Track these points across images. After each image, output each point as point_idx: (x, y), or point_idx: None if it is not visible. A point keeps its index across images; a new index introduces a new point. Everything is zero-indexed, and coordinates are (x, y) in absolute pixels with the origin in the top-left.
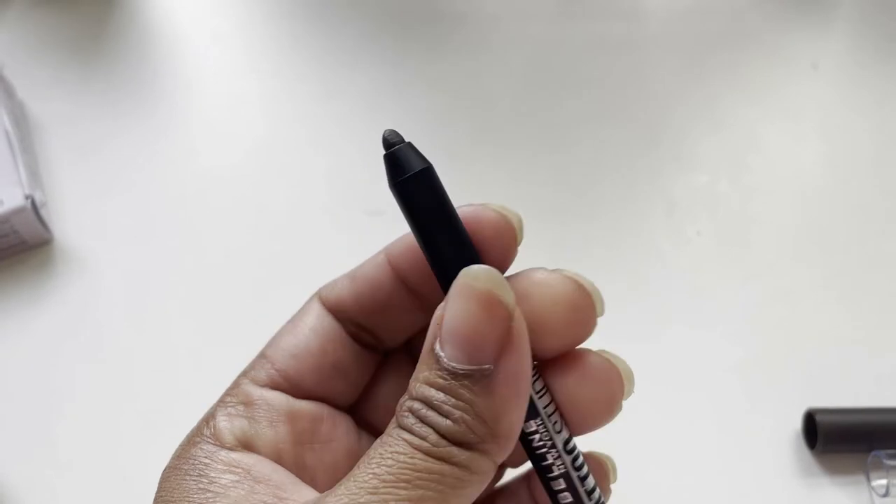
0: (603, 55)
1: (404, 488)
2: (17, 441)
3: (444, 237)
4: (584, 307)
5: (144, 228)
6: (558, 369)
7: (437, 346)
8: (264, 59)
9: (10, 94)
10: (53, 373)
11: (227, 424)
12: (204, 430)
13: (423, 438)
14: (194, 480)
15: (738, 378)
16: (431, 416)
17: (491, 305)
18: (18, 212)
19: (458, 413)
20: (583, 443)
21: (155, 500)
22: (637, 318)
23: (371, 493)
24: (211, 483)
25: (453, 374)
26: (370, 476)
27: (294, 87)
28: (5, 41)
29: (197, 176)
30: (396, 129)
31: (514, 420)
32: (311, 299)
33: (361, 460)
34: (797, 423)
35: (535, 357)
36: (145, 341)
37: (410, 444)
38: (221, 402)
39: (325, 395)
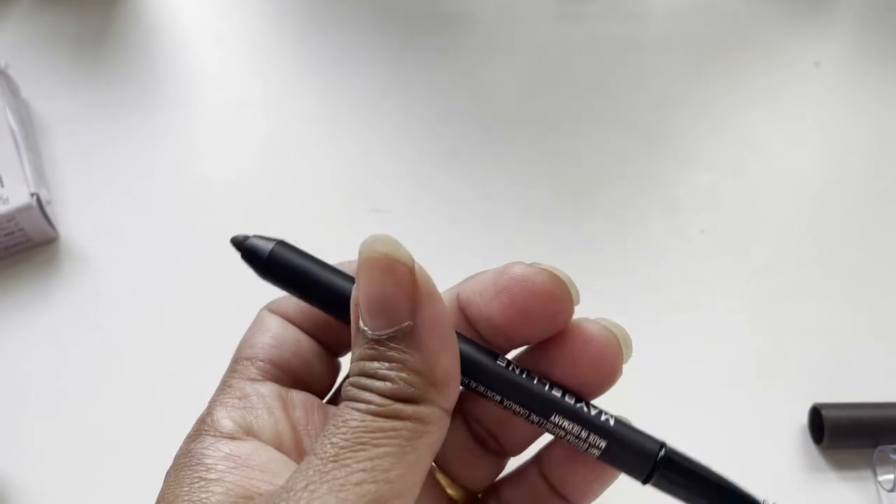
0: (606, 56)
1: (363, 450)
2: (19, 439)
3: (327, 291)
4: (560, 297)
5: (149, 227)
6: (558, 341)
7: (361, 324)
8: (268, 59)
9: (14, 93)
10: (57, 370)
11: (226, 415)
12: (202, 426)
13: (370, 403)
14: (192, 470)
15: (744, 374)
16: (371, 383)
17: (391, 268)
18: (24, 210)
19: (393, 373)
20: None
21: (157, 499)
22: (641, 316)
23: (332, 461)
24: (208, 471)
25: (379, 342)
26: (329, 446)
27: (297, 88)
28: (10, 41)
29: (201, 175)
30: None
31: (447, 365)
32: (260, 312)
33: (317, 438)
34: (803, 419)
35: (519, 344)
36: (149, 340)
37: (359, 410)
38: (216, 401)
39: (310, 385)
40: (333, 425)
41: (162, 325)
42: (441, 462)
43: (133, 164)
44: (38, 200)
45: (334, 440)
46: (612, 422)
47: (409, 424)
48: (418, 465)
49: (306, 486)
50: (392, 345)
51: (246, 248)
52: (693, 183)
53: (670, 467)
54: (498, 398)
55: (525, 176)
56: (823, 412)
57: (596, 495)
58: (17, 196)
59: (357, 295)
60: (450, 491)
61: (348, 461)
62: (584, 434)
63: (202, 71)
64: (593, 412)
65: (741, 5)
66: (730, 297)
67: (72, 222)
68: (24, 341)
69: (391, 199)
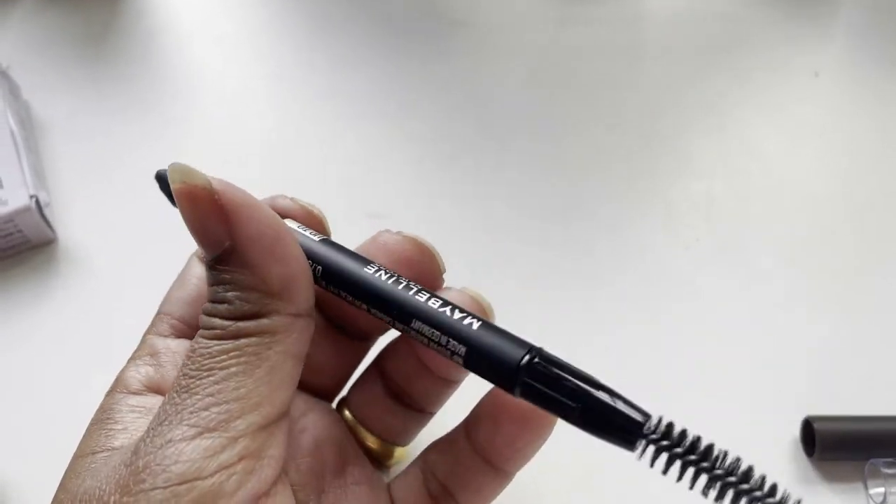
0: (605, 61)
1: (210, 375)
2: (18, 441)
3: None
4: (423, 261)
5: (148, 229)
6: None
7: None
8: (269, 61)
9: (15, 94)
10: (55, 373)
11: (134, 373)
12: (115, 384)
13: (214, 328)
14: (100, 424)
15: (736, 385)
16: (214, 307)
17: (193, 195)
18: (22, 212)
19: (230, 294)
20: (577, 442)
21: (73, 454)
22: (634, 323)
23: (185, 392)
24: (115, 423)
25: (213, 267)
26: (182, 378)
27: (297, 89)
28: (11, 41)
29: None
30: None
31: (281, 272)
32: (190, 257)
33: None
34: (795, 431)
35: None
36: None
37: (205, 337)
38: (131, 358)
39: None
40: (188, 358)
41: None
42: (359, 416)
43: (133, 166)
44: (37, 203)
45: (185, 371)
46: (475, 325)
47: (253, 340)
48: (274, 375)
49: (162, 421)
50: (221, 267)
51: (160, 177)
52: (690, 189)
53: (537, 376)
54: (365, 306)
55: (520, 180)
56: (815, 425)
57: (522, 458)
58: (16, 198)
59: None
60: (369, 443)
61: (197, 389)
62: (444, 340)
63: (203, 72)
64: (457, 315)
65: (740, 12)
66: (723, 306)
67: (71, 224)
68: (23, 343)
69: (391, 199)
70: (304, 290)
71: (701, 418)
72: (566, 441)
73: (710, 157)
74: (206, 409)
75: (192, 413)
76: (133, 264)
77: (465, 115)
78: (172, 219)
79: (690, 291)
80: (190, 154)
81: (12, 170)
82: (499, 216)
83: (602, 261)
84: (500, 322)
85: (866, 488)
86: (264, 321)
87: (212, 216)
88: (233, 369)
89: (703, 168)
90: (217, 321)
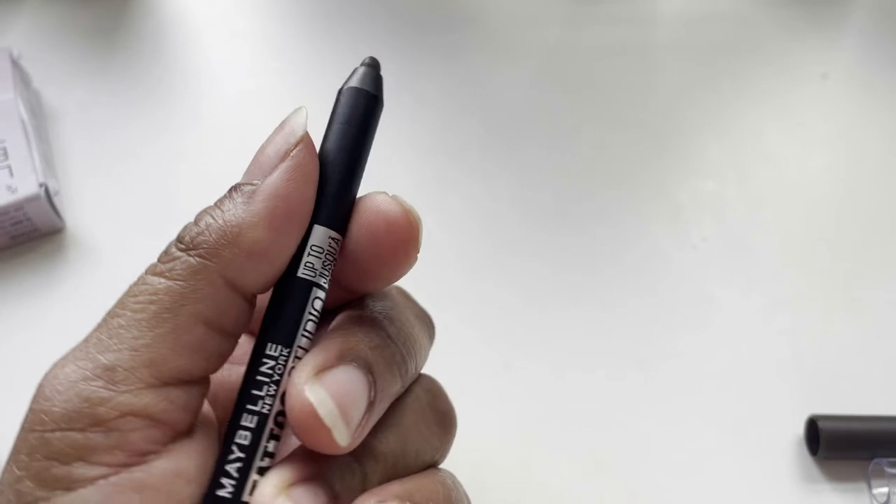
0: (613, 60)
1: (121, 315)
2: None
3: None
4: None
5: (156, 219)
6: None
7: None
8: (280, 55)
9: (26, 83)
10: None
11: None
12: None
13: (164, 255)
14: None
15: (741, 383)
16: (183, 229)
17: (309, 145)
18: (32, 199)
19: (207, 217)
20: (583, 439)
21: None
22: (640, 322)
23: (100, 324)
24: None
25: (230, 191)
26: (114, 305)
27: (308, 84)
28: (22, 31)
29: (210, 168)
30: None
31: (259, 237)
32: None
33: None
34: (800, 429)
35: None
36: None
37: (148, 270)
38: None
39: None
40: (130, 285)
41: None
42: None
43: (142, 155)
44: (47, 191)
45: (119, 300)
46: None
47: (176, 284)
48: (179, 337)
49: (74, 348)
50: (229, 194)
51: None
52: (698, 189)
53: None
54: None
55: (529, 178)
56: (820, 423)
57: None
58: (25, 186)
59: None
60: None
61: (105, 324)
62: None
63: (214, 66)
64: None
65: (750, 13)
66: (728, 306)
67: (79, 212)
68: (30, 331)
69: (399, 191)
70: (258, 275)
71: (707, 416)
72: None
73: (718, 158)
74: (101, 351)
75: (86, 350)
76: (140, 253)
77: (474, 110)
78: (181, 209)
79: (697, 290)
80: (199, 146)
81: (23, 158)
82: (505, 211)
83: (608, 259)
84: (508, 315)
85: (870, 487)
86: (200, 262)
87: (296, 166)
88: (140, 316)
89: (712, 168)
90: (174, 247)
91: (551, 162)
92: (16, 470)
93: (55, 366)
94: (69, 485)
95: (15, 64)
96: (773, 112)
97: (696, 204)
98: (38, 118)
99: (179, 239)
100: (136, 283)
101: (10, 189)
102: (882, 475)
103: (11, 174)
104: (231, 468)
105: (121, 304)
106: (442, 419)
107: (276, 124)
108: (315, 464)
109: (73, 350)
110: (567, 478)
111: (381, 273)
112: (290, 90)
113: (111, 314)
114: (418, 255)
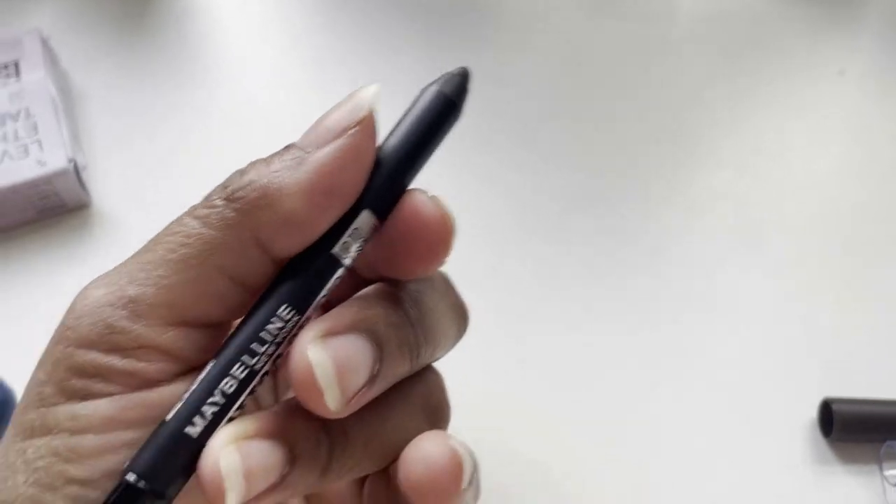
0: (633, 54)
1: (155, 249)
2: None
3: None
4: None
5: (181, 198)
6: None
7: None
8: (303, 43)
9: (55, 62)
10: None
11: None
12: None
13: (205, 202)
14: None
15: (757, 367)
16: (227, 178)
17: (369, 127)
18: (61, 174)
19: (252, 170)
20: (601, 421)
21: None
22: (657, 308)
23: (139, 252)
24: None
25: (284, 148)
26: (159, 234)
27: (330, 72)
28: (51, 13)
29: (234, 150)
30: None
31: (297, 207)
32: None
33: None
34: (813, 412)
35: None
36: None
37: (189, 214)
38: None
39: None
40: (172, 222)
41: None
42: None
43: (167, 135)
44: (75, 165)
45: (164, 230)
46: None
47: (207, 234)
48: (199, 286)
49: (111, 271)
50: (278, 154)
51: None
52: (713, 182)
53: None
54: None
55: (547, 170)
56: (833, 406)
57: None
58: (54, 160)
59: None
60: None
61: (139, 255)
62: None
63: (238, 52)
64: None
65: (767, 10)
66: (744, 294)
67: (105, 190)
68: (54, 303)
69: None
70: (289, 243)
71: (723, 398)
72: None
73: (734, 152)
74: (130, 282)
75: (118, 277)
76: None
77: (492, 102)
78: (205, 188)
79: (712, 280)
80: (220, 129)
81: (52, 133)
82: (523, 202)
83: (624, 249)
84: (521, 310)
85: (881, 470)
86: (235, 218)
87: (339, 130)
88: (170, 256)
89: (728, 162)
90: (217, 195)
91: (570, 152)
92: (41, 376)
93: (90, 285)
94: (85, 395)
95: (45, 44)
96: (790, 107)
97: (712, 196)
98: (67, 97)
99: (224, 186)
100: (175, 221)
101: (40, 163)
102: (894, 457)
103: (41, 148)
104: (207, 410)
105: (157, 238)
106: (432, 415)
107: (296, 108)
108: (282, 423)
109: (109, 273)
110: (583, 459)
111: (409, 267)
112: (312, 78)
113: (146, 247)
114: (448, 258)
